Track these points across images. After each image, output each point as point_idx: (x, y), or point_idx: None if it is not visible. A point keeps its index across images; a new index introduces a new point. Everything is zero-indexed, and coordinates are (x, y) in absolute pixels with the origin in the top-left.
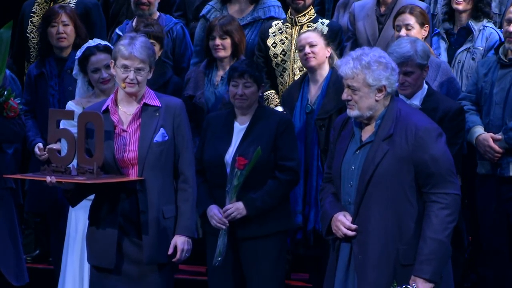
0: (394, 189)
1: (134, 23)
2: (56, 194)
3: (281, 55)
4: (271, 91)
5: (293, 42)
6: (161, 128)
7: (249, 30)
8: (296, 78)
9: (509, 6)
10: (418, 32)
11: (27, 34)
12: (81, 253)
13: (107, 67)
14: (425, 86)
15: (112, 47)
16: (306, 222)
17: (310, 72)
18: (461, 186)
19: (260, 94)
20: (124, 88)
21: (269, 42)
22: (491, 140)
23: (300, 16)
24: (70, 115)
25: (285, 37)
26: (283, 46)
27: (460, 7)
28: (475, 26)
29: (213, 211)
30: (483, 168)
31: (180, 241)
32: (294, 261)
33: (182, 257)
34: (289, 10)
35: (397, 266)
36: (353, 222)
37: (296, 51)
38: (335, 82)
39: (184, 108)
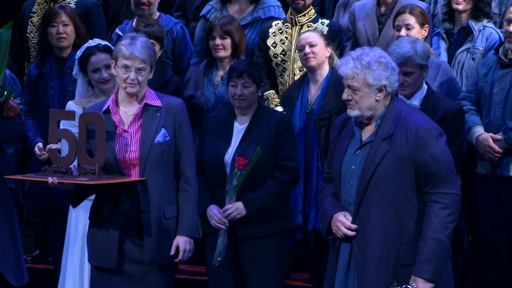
0: (394, 189)
1: (134, 23)
2: (56, 194)
3: (281, 55)
4: (271, 91)
5: (293, 42)
6: (162, 128)
7: (249, 30)
8: (296, 78)
9: (509, 6)
10: (418, 32)
11: (27, 34)
12: (81, 253)
13: (107, 67)
14: (425, 87)
15: (112, 47)
16: (306, 222)
17: (310, 72)
18: (461, 186)
19: (260, 94)
20: (125, 88)
21: (269, 42)
22: (491, 140)
23: (300, 16)
24: (71, 115)
25: (285, 37)
26: (283, 46)
27: (460, 7)
28: (475, 26)
29: (213, 211)
30: (483, 168)
31: (182, 242)
32: (294, 261)
33: (184, 257)
34: (289, 10)
35: (397, 266)
36: (353, 222)
37: (296, 51)
38: (335, 82)
39: (185, 108)
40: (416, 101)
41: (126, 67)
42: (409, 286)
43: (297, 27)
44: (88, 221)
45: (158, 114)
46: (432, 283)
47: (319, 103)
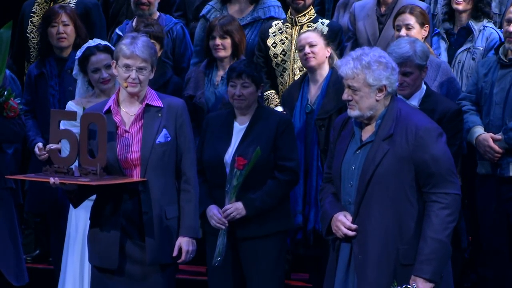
0: (394, 189)
1: (134, 23)
2: (56, 194)
3: (281, 55)
4: (271, 91)
5: (293, 42)
6: (164, 129)
7: (249, 30)
8: (296, 78)
9: (509, 6)
10: (418, 32)
11: (27, 34)
12: (82, 253)
13: (107, 67)
14: (424, 87)
15: (112, 47)
16: (306, 222)
17: (310, 72)
18: (461, 186)
19: (260, 94)
20: (126, 88)
21: (269, 42)
22: (491, 140)
23: (300, 16)
24: (72, 116)
25: (285, 37)
26: (283, 46)
27: (460, 7)
28: (475, 26)
29: (213, 211)
30: (483, 168)
31: (184, 242)
32: (294, 261)
33: (187, 258)
34: (289, 10)
35: (397, 266)
36: (353, 222)
37: (296, 51)
38: (335, 82)
39: (186, 109)
40: (415, 101)
41: (127, 66)
42: (409, 286)
43: (297, 27)
44: (88, 221)
45: (160, 115)
46: (432, 283)
47: (319, 103)
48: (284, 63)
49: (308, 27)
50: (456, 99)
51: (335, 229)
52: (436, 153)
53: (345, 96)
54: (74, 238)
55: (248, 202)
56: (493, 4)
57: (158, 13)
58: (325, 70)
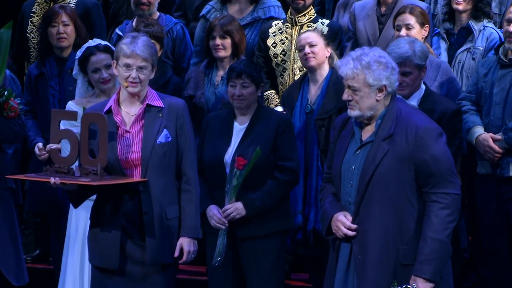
0: (394, 189)
1: (134, 23)
2: (56, 194)
3: (281, 55)
4: (271, 91)
5: (293, 42)
6: (164, 129)
7: (249, 30)
8: (296, 78)
9: (509, 6)
10: (418, 32)
11: (27, 34)
12: (82, 253)
13: (107, 67)
14: (423, 87)
15: (112, 47)
16: (306, 222)
17: (310, 72)
18: (461, 186)
19: (260, 94)
20: (127, 87)
21: (269, 42)
22: (491, 140)
23: (300, 16)
24: (73, 115)
25: (285, 37)
26: (283, 46)
27: (460, 7)
28: (476, 26)
29: (213, 211)
30: (483, 168)
31: (186, 243)
32: (294, 261)
33: (189, 258)
34: (289, 10)
35: (397, 266)
36: (353, 222)
37: (296, 51)
38: (335, 82)
39: (186, 109)
40: (414, 101)
41: (128, 65)
42: (409, 286)
43: (297, 27)
44: (88, 221)
45: (160, 115)
46: (432, 283)
47: (319, 103)
48: (284, 63)
49: (308, 27)
50: (456, 99)
51: (335, 229)
52: (436, 153)
53: (345, 96)
54: (74, 238)
55: (248, 202)
56: (493, 4)
57: (158, 13)
58: (325, 70)
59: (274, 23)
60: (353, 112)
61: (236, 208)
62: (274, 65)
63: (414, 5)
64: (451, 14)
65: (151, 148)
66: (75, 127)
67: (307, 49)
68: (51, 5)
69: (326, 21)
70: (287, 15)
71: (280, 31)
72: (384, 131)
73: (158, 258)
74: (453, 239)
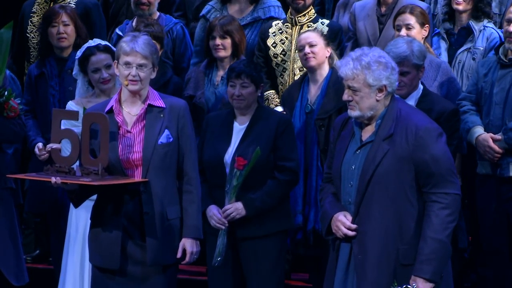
0: (394, 189)
1: (134, 23)
2: (56, 194)
3: (281, 55)
4: (271, 91)
5: (293, 42)
6: (166, 130)
7: (249, 30)
8: (296, 78)
9: (509, 6)
10: (418, 32)
11: (27, 34)
12: (82, 253)
13: (107, 67)
14: (420, 87)
15: (112, 47)
16: (306, 222)
17: (310, 72)
18: (461, 186)
19: (260, 94)
20: (127, 85)
21: (269, 42)
22: (491, 141)
23: (300, 16)
24: (74, 115)
25: (285, 37)
26: (283, 46)
27: (460, 7)
28: (476, 26)
29: (213, 211)
30: (483, 168)
31: (188, 244)
32: (294, 261)
33: (191, 259)
34: (289, 10)
35: (397, 266)
36: (353, 222)
37: (296, 51)
38: (335, 82)
39: (188, 109)
40: (411, 101)
41: (127, 63)
42: (409, 286)
43: (297, 27)
44: (89, 221)
45: (162, 115)
46: (432, 283)
47: (319, 103)
48: (284, 63)
49: (308, 27)
50: (456, 99)
51: (335, 229)
52: (436, 153)
53: (345, 96)
54: (75, 238)
55: (248, 202)
56: (493, 4)
57: (158, 13)
58: (325, 70)
59: (274, 23)
60: (353, 113)
61: (236, 208)
62: (274, 65)
63: (414, 5)
64: (451, 14)
65: (153, 149)
66: (75, 127)
67: (307, 49)
68: (51, 5)
69: (326, 21)
70: (287, 15)
71: (280, 31)
72: (384, 131)
73: (159, 259)
74: (452, 239)
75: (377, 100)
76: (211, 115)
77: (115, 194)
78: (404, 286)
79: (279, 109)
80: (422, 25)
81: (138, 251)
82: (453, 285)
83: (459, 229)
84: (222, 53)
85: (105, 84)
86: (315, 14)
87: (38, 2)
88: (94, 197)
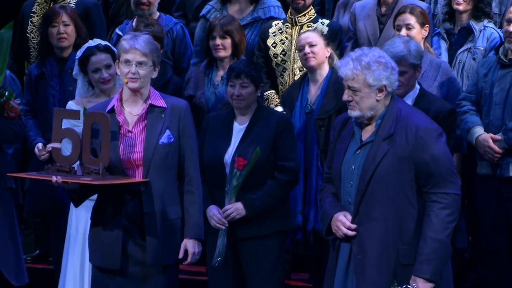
0: (394, 189)
1: (134, 23)
2: (56, 194)
3: (281, 55)
4: (271, 91)
5: (293, 42)
6: (167, 130)
7: (249, 30)
8: (296, 78)
9: (509, 6)
10: (418, 32)
11: (27, 34)
12: (82, 253)
13: (108, 67)
14: (417, 87)
15: (112, 47)
16: (306, 222)
17: (310, 72)
18: (461, 186)
19: (260, 94)
20: (127, 83)
21: (269, 42)
22: (490, 141)
23: (300, 16)
24: (75, 114)
25: (285, 37)
26: (283, 46)
27: (461, 7)
28: (476, 26)
29: (213, 211)
30: (483, 168)
31: (190, 245)
32: (294, 261)
33: (193, 260)
34: (289, 10)
35: (397, 266)
36: (353, 222)
37: (296, 51)
38: (335, 82)
39: (189, 110)
40: (408, 101)
41: (127, 61)
42: (409, 286)
43: (297, 27)
44: (89, 221)
45: (163, 115)
46: (432, 283)
47: (318, 103)
48: (284, 63)
49: (308, 27)
50: (456, 99)
51: (335, 229)
52: (436, 153)
53: (345, 97)
54: (75, 238)
55: (248, 202)
56: (493, 4)
57: (158, 13)
58: (325, 70)
59: (274, 23)
60: (353, 113)
61: (236, 208)
62: (274, 65)
63: (414, 5)
64: (451, 14)
65: (154, 149)
66: (75, 126)
67: (307, 49)
68: (51, 5)
69: (326, 21)
70: (287, 15)
71: (280, 31)
72: (384, 131)
73: (159, 259)
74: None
75: (377, 100)
76: (211, 115)
77: (115, 194)
78: (404, 286)
79: (279, 109)
80: (422, 25)
81: (139, 251)
82: (453, 285)
83: (459, 229)
84: (222, 53)
85: (105, 84)
86: (315, 14)
87: (38, 2)
88: (94, 197)
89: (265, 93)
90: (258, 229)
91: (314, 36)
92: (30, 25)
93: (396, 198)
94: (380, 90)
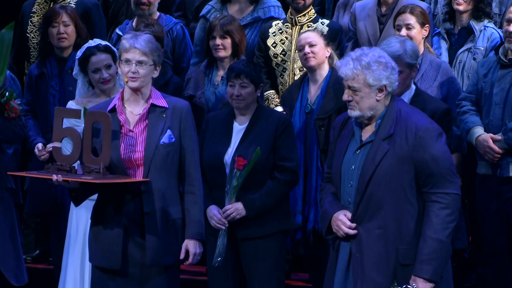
0: (394, 188)
1: (134, 23)
2: (56, 194)
3: (281, 55)
4: (271, 91)
5: (293, 42)
6: (168, 130)
7: (249, 30)
8: (296, 78)
9: (509, 6)
10: (418, 32)
11: (27, 34)
12: (82, 252)
13: (108, 67)
14: (413, 87)
15: (112, 47)
16: (306, 222)
17: (309, 72)
18: (461, 186)
19: (259, 94)
20: (127, 82)
21: (269, 42)
22: (490, 141)
23: (300, 16)
24: (76, 114)
25: (285, 37)
26: (283, 46)
27: (461, 7)
28: (476, 26)
29: (213, 211)
30: (483, 168)
31: (191, 245)
32: (294, 261)
33: (194, 260)
34: (289, 10)
35: (397, 266)
36: (352, 222)
37: (296, 51)
38: (335, 82)
39: (190, 110)
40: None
41: (127, 60)
42: (409, 286)
43: (297, 27)
44: (89, 221)
45: (164, 115)
46: (432, 283)
47: (318, 103)
48: (284, 63)
49: (308, 27)
50: (456, 99)
51: (335, 229)
52: (436, 153)
53: (345, 96)
54: (75, 238)
55: (248, 202)
56: (493, 4)
57: (158, 13)
58: (325, 70)
59: (274, 23)
60: (353, 113)
61: (236, 208)
62: (274, 65)
63: (415, 5)
64: (451, 14)
65: (154, 148)
66: (75, 127)
67: (307, 49)
68: (51, 5)
69: (326, 21)
70: (287, 15)
71: (280, 31)
72: (384, 131)
73: (159, 259)
74: None
75: (377, 100)
76: (211, 115)
77: (116, 193)
78: (404, 286)
79: (279, 109)
80: (422, 25)
81: (139, 251)
82: (453, 285)
83: (459, 229)
84: (222, 53)
85: (105, 84)
86: (315, 14)
87: (38, 2)
88: (95, 197)
89: (265, 93)
90: (258, 229)
91: (314, 36)
92: (30, 25)
93: (396, 198)
94: (380, 90)
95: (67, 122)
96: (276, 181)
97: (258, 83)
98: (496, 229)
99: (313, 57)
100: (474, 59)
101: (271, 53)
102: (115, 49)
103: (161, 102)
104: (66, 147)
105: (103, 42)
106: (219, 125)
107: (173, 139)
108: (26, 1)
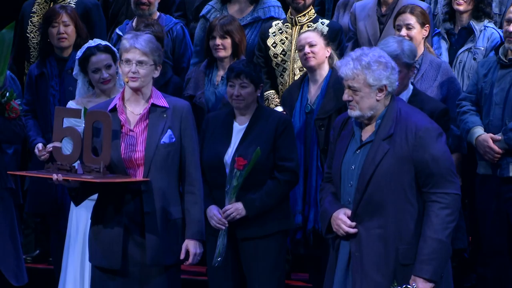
0: (394, 188)
1: (134, 23)
2: (56, 194)
3: (281, 55)
4: (271, 91)
5: (293, 42)
6: (169, 130)
7: (249, 30)
8: (296, 78)
9: (509, 6)
10: (418, 32)
11: (27, 34)
12: (82, 252)
13: (108, 67)
14: (410, 87)
15: (112, 47)
16: (306, 222)
17: (309, 72)
18: (461, 186)
19: (259, 94)
20: (127, 82)
21: (269, 42)
22: (490, 141)
23: (300, 16)
24: (77, 113)
25: (285, 37)
26: (283, 46)
27: (461, 8)
28: (477, 26)
29: (213, 211)
30: (483, 168)
31: (192, 245)
32: (294, 261)
33: (195, 260)
34: (289, 10)
35: (397, 265)
36: (352, 222)
37: (296, 51)
38: (335, 82)
39: (191, 111)
40: None
41: (127, 60)
42: (409, 286)
43: (297, 27)
44: (89, 221)
45: (165, 115)
46: (432, 283)
47: (318, 103)
48: (284, 63)
49: (308, 27)
50: (456, 99)
51: (335, 228)
52: (436, 153)
53: (345, 96)
54: (75, 238)
55: (248, 202)
56: (493, 4)
57: (158, 13)
58: (325, 70)
59: (274, 23)
60: (353, 112)
61: (236, 208)
62: (274, 65)
63: (415, 5)
64: (451, 14)
65: (155, 148)
66: (76, 127)
67: (307, 49)
68: (51, 5)
69: (326, 21)
70: (287, 15)
71: (280, 31)
72: (384, 131)
73: (159, 259)
74: None
75: (377, 100)
76: (211, 115)
77: (116, 193)
78: (404, 286)
79: (279, 109)
80: (422, 25)
81: (139, 251)
82: (453, 285)
83: (459, 229)
84: (222, 53)
85: (105, 84)
86: (315, 14)
87: (38, 2)
88: (95, 197)
89: (265, 93)
90: (258, 229)
91: (314, 36)
92: (30, 25)
93: (396, 198)
94: (380, 90)
95: (67, 122)
96: (276, 181)
97: (258, 83)
98: (496, 229)
99: (313, 57)
100: (474, 59)
101: (271, 53)
102: (115, 49)
103: (162, 102)
104: (66, 146)
105: (103, 42)
106: (219, 125)
107: (174, 139)
108: (26, 1)
